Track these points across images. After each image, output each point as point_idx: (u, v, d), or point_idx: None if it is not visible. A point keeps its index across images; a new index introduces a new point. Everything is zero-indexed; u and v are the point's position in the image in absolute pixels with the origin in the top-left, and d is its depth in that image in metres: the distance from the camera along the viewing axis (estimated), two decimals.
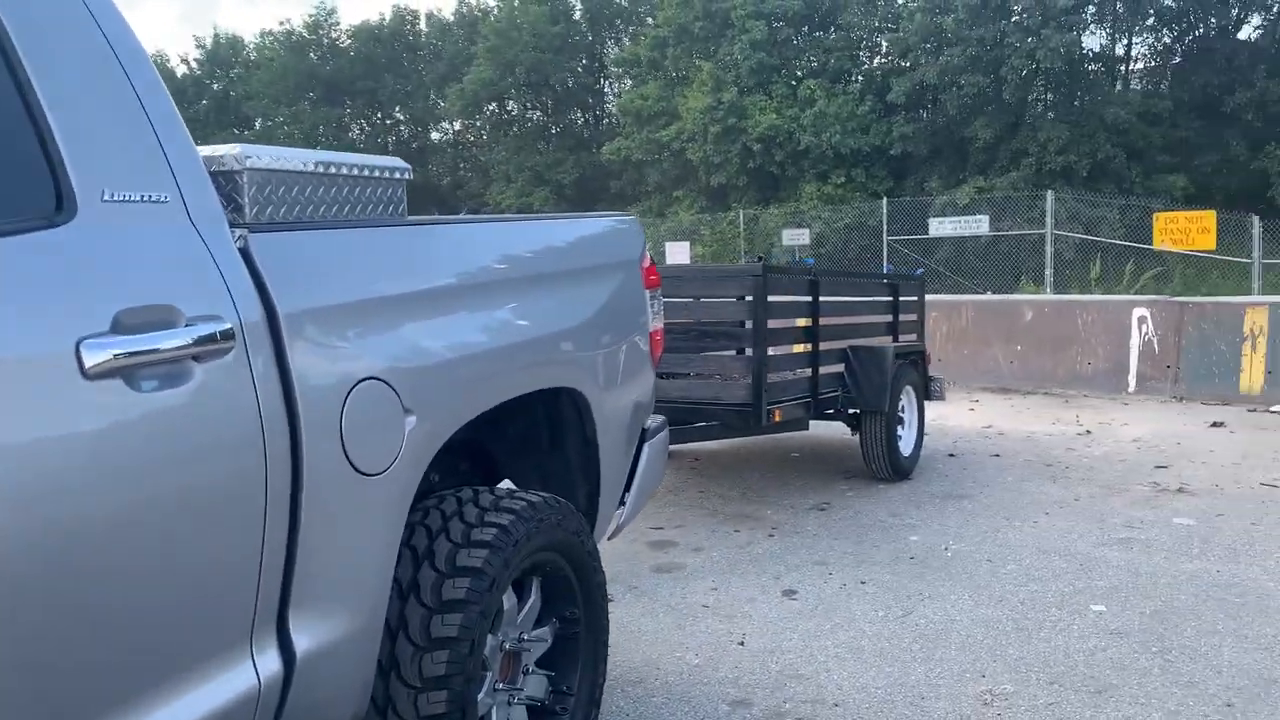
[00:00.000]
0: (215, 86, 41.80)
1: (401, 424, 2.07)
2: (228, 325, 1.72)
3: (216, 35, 43.14)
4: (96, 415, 1.53)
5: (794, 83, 27.15)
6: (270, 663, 1.82)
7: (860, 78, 27.75)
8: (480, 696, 2.27)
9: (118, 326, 1.56)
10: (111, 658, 1.55)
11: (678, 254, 21.41)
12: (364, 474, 1.98)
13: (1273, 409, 8.47)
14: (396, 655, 2.13)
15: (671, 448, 4.05)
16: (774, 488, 6.10)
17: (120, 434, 1.56)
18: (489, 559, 2.23)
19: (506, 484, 2.91)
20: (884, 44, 27.86)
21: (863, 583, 4.35)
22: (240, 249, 1.83)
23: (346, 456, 1.94)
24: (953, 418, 8.35)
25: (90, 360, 1.50)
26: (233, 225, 1.86)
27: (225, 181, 2.24)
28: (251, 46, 41.84)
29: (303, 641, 1.87)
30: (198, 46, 50.10)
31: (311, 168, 2.39)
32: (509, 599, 2.43)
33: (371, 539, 2.05)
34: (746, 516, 5.45)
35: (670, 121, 27.90)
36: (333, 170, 2.45)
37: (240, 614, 1.76)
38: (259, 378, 1.77)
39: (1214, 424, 7.97)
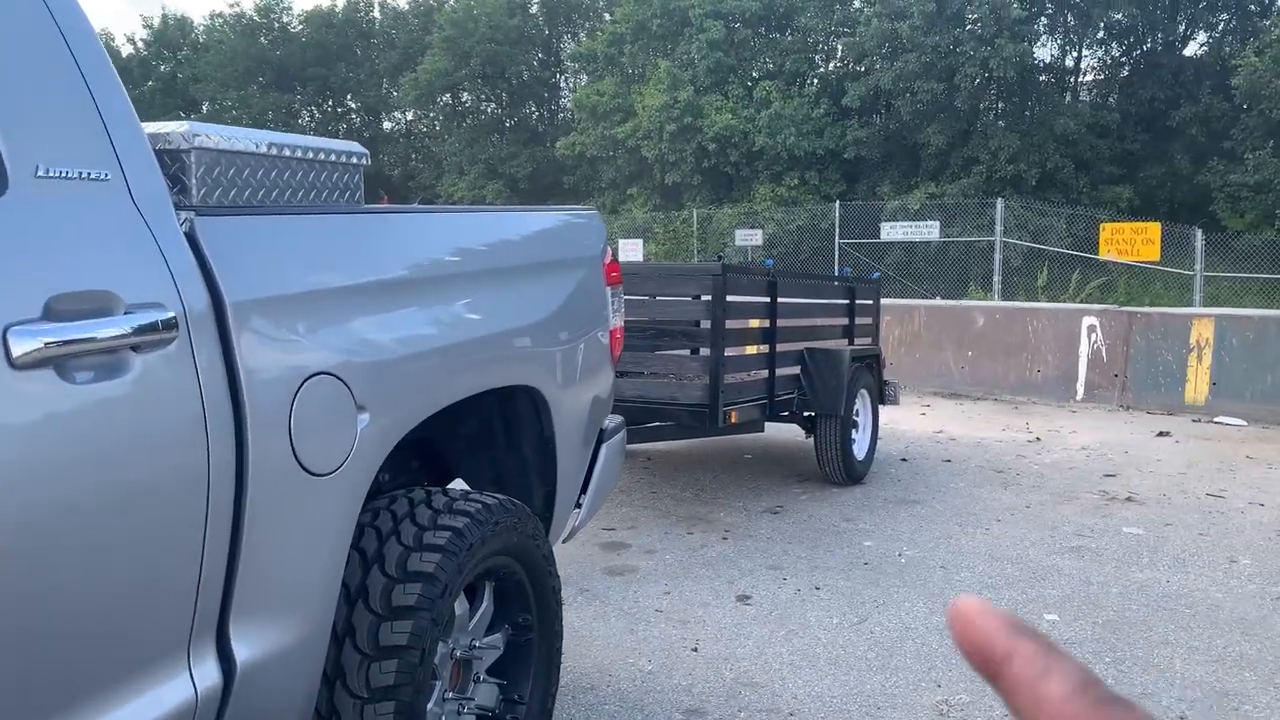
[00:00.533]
0: (162, 68, 40.86)
1: (354, 422, 1.97)
2: (170, 314, 1.61)
3: (164, 15, 42.29)
4: (24, 408, 1.41)
5: (750, 84, 27.18)
6: (208, 674, 1.71)
7: (816, 81, 27.85)
8: (429, 707, 2.19)
9: (49, 313, 1.45)
10: (27, 671, 1.44)
11: (631, 251, 21.36)
12: (313, 474, 1.88)
13: (1216, 420, 8.61)
14: (343, 664, 2.04)
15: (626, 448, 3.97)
16: (727, 489, 6.05)
17: (50, 428, 1.45)
18: (442, 564, 2.14)
19: (459, 484, 2.82)
20: (840, 48, 27.99)
21: (817, 588, 4.31)
22: (186, 233, 1.72)
23: (295, 455, 1.83)
24: (905, 422, 8.38)
25: (18, 348, 1.39)
26: (178, 207, 1.75)
27: (171, 161, 2.12)
28: (200, 28, 40.97)
29: (243, 650, 1.77)
30: (145, 26, 49.19)
31: (264, 149, 2.27)
32: (460, 605, 2.34)
33: (319, 542, 1.95)
34: (699, 518, 5.39)
35: (626, 118, 27.79)
36: (286, 153, 2.33)
37: (177, 622, 1.66)
38: (203, 371, 1.66)
39: (1160, 433, 8.08)
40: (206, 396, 1.65)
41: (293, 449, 1.83)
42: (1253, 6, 25.14)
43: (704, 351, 5.65)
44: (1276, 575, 4.57)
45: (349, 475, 1.97)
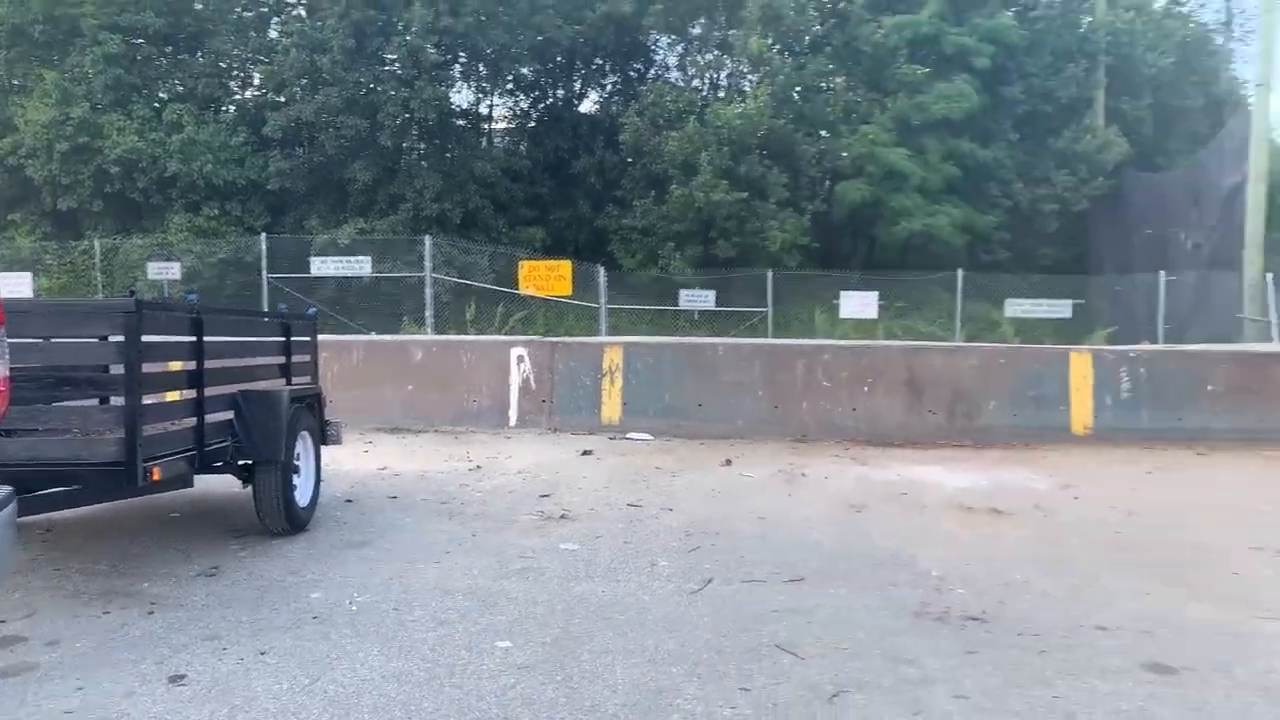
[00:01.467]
0: None
1: None
2: None
3: None
4: None
5: (158, 105, 25.08)
6: None
7: (233, 108, 26.54)
8: None
9: None
10: None
11: (17, 287, 18.63)
12: None
13: (629, 436, 9.60)
14: None
15: (19, 520, 3.31)
16: (152, 555, 5.36)
17: None
18: None
19: None
20: (257, 76, 26.94)
21: (262, 654, 3.95)
22: None
23: None
24: (348, 461, 8.15)
25: None
26: None
27: None
28: None
29: None
30: None
31: None
32: None
33: None
34: (118, 593, 4.69)
35: (4, 133, 24.11)
36: None
37: None
38: None
39: (584, 452, 8.78)
40: None
41: None
42: (633, 73, 28.85)
43: (116, 400, 4.96)
44: (688, 573, 5.13)
45: None
